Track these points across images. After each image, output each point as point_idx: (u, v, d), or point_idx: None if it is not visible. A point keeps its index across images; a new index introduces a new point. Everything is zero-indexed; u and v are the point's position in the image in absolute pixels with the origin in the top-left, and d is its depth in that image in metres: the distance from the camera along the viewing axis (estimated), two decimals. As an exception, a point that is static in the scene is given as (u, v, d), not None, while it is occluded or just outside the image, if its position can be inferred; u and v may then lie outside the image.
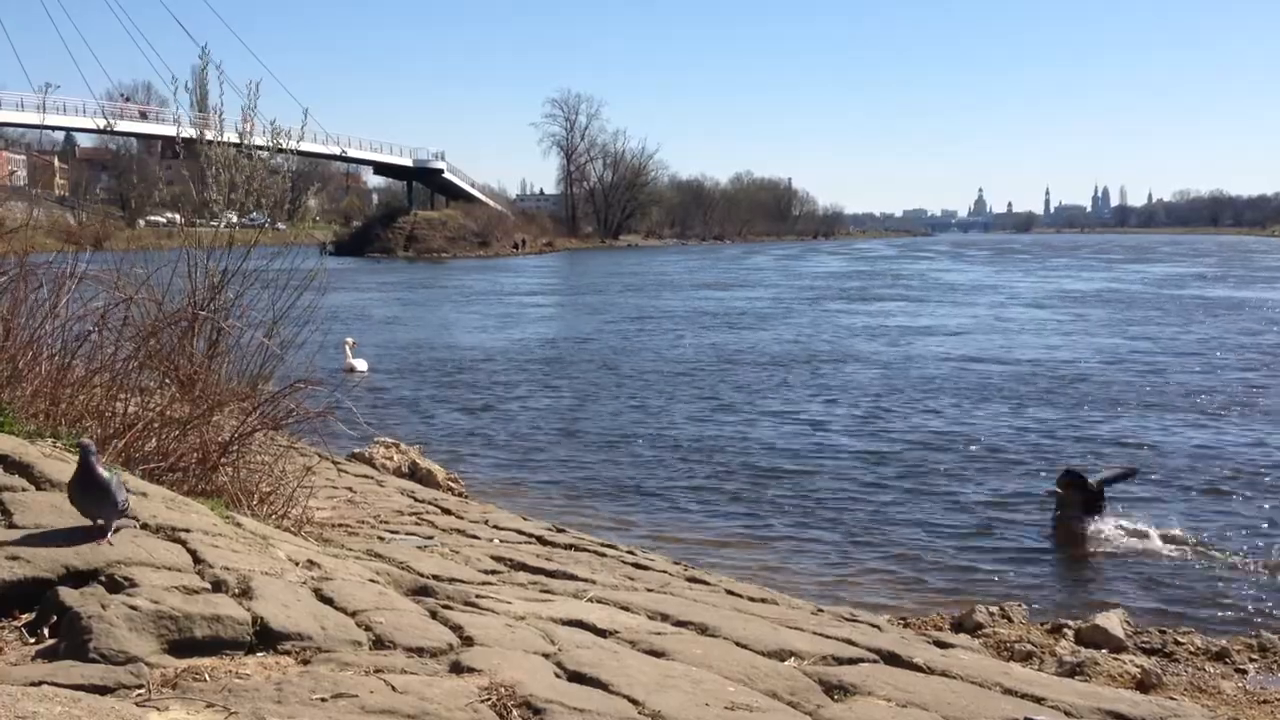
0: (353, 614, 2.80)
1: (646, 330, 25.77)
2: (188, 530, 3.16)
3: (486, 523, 6.28)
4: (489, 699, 2.36)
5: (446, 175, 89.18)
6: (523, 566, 4.76)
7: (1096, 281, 45.42)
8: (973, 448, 11.66)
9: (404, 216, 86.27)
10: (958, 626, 5.84)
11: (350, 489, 6.62)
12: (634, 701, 2.53)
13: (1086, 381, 16.62)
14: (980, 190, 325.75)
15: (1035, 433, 12.50)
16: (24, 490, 3.18)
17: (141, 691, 2.15)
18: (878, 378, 17.34)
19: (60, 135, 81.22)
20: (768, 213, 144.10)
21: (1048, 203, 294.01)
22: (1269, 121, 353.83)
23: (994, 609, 6.03)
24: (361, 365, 17.48)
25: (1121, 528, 8.30)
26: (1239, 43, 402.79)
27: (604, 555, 5.67)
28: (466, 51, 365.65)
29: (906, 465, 10.84)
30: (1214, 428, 12.71)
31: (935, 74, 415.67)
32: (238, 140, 5.85)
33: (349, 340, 17.54)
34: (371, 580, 3.32)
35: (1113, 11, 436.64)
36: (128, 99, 75.98)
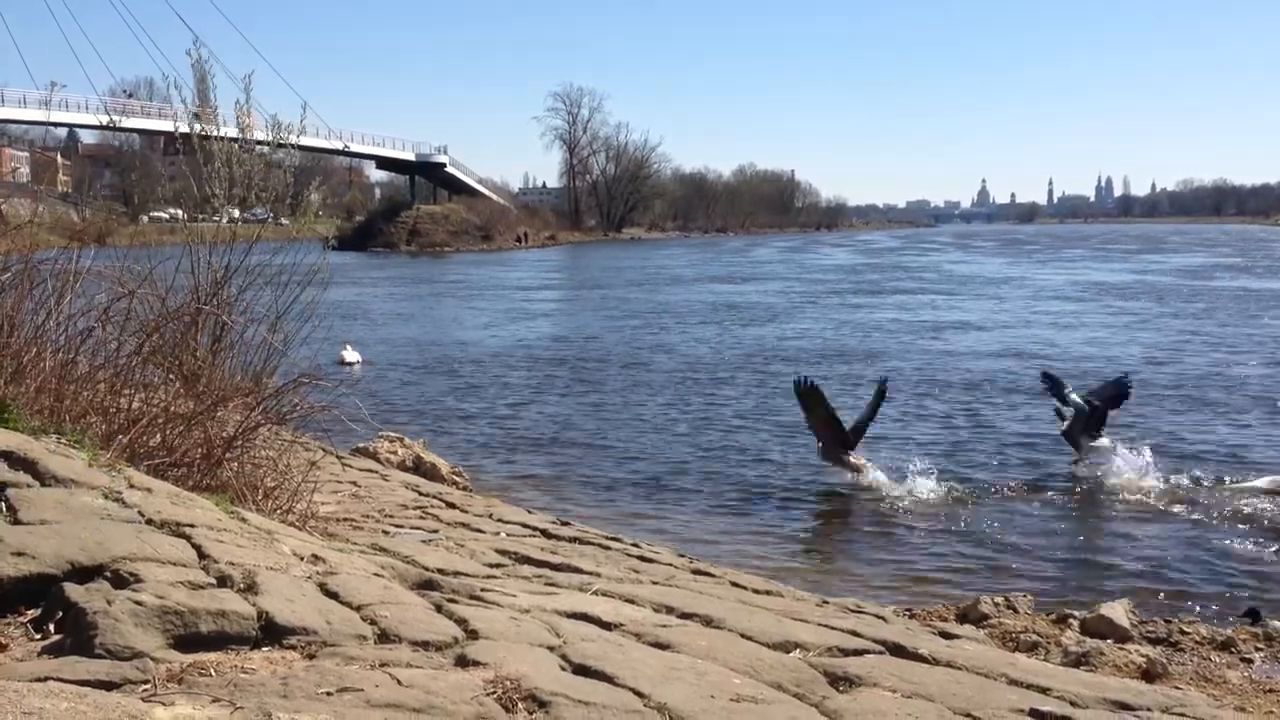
0: (358, 608, 2.80)
1: (650, 326, 25.68)
2: (192, 525, 3.16)
3: (491, 516, 6.28)
4: (494, 692, 2.36)
5: (449, 169, 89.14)
6: (527, 560, 4.75)
7: (1119, 273, 44.64)
8: (999, 445, 11.46)
9: (406, 211, 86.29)
10: (963, 617, 5.82)
11: (355, 483, 6.63)
12: (639, 694, 2.52)
13: (1142, 380, 15.58)
14: (984, 181, 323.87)
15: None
16: (28, 486, 3.19)
17: (147, 687, 2.15)
18: (913, 375, 16.65)
19: (63, 132, 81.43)
20: (771, 205, 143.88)
21: (1051, 193, 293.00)
22: (1269, 121, 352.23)
23: (999, 599, 6.02)
24: (353, 357, 17.62)
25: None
26: (1239, 43, 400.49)
27: (609, 548, 5.67)
28: (466, 51, 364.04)
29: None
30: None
31: (935, 74, 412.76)
32: (237, 135, 5.85)
33: (346, 343, 17.80)
34: (376, 574, 3.33)
35: (1113, 11, 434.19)
36: (130, 95, 75.95)
